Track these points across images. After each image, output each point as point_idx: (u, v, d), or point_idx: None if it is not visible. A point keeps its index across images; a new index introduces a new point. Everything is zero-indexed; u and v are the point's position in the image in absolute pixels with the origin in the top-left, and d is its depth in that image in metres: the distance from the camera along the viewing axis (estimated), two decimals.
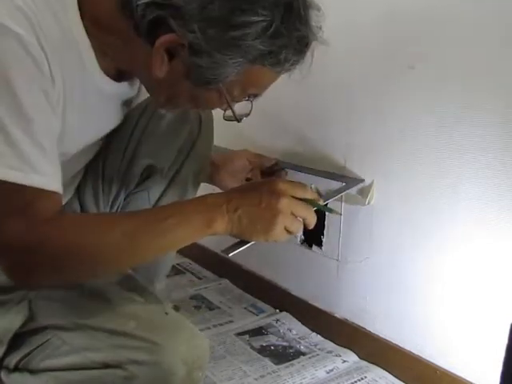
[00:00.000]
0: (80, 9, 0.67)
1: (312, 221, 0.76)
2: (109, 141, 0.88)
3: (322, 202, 0.80)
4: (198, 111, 0.91)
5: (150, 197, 0.92)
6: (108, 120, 0.82)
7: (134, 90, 0.81)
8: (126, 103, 0.84)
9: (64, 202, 0.86)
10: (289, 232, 0.74)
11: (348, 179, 1.07)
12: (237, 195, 0.73)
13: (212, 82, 0.68)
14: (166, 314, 0.78)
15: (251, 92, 0.75)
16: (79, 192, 0.91)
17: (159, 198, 0.93)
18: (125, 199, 0.92)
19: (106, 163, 0.90)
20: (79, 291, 0.78)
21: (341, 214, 0.85)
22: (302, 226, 0.76)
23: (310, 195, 0.77)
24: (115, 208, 0.92)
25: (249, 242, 0.75)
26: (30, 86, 0.62)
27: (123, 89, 0.79)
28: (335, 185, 1.08)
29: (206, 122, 0.92)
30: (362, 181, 1.05)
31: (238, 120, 0.77)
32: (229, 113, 0.76)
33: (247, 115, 0.79)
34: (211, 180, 1.08)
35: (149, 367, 0.71)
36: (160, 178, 0.91)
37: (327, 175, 1.10)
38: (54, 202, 0.65)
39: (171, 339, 0.73)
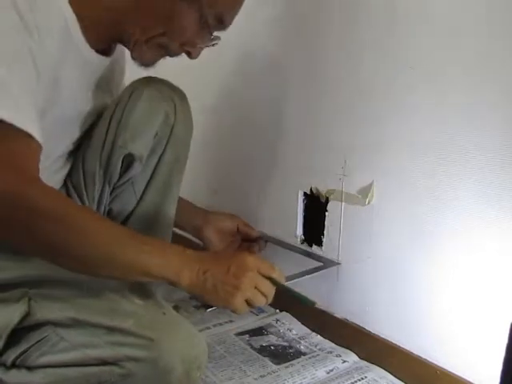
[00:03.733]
0: None
1: (270, 299, 0.79)
2: (88, 136, 0.90)
3: (284, 282, 0.83)
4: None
5: (135, 189, 0.94)
6: (87, 95, 0.87)
7: (106, 62, 0.87)
8: (101, 84, 0.90)
9: None
10: (249, 305, 0.77)
11: (325, 260, 1.12)
12: (210, 259, 0.76)
13: None
14: (164, 314, 0.78)
15: (221, 11, 0.83)
16: (66, 192, 0.91)
17: (145, 190, 0.94)
18: (110, 194, 0.93)
19: (86, 159, 0.91)
20: (79, 289, 0.78)
21: (315, 303, 0.85)
22: (264, 302, 0.78)
23: (276, 275, 0.79)
24: (102, 203, 0.92)
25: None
26: (15, 41, 0.66)
27: (103, 62, 0.86)
28: (312, 263, 1.13)
29: (181, 108, 0.94)
30: (339, 264, 1.10)
31: (213, 44, 0.86)
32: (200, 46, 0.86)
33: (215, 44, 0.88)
34: (199, 232, 1.11)
35: (146, 364, 0.72)
36: (140, 166, 0.92)
37: (305, 253, 1.16)
38: (37, 155, 0.68)
39: (169, 337, 0.74)
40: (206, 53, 0.88)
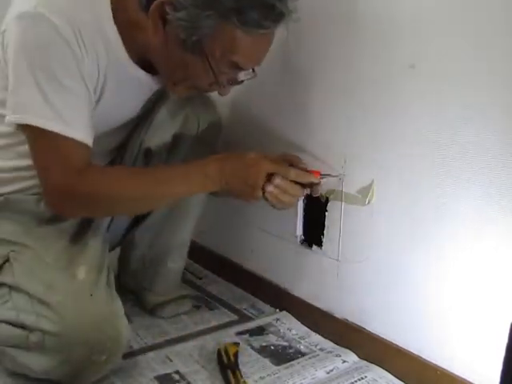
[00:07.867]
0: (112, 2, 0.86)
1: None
2: (131, 132, 1.10)
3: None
4: (199, 94, 1.06)
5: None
6: (136, 105, 1.01)
7: (155, 80, 0.97)
8: (155, 98, 1.03)
9: None
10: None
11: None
12: (230, 169, 0.94)
13: (193, 38, 0.82)
14: (91, 295, 0.88)
15: (233, 59, 0.86)
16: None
17: None
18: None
19: (127, 149, 1.11)
20: (42, 256, 0.93)
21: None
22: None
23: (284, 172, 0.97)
24: None
25: None
26: (63, 60, 0.80)
27: (152, 80, 0.95)
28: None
29: (209, 113, 1.11)
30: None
31: (245, 79, 0.94)
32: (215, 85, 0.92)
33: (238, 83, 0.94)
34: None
35: (54, 338, 0.83)
36: (158, 162, 1.10)
37: None
38: (83, 152, 0.86)
39: (80, 319, 0.84)
40: None
